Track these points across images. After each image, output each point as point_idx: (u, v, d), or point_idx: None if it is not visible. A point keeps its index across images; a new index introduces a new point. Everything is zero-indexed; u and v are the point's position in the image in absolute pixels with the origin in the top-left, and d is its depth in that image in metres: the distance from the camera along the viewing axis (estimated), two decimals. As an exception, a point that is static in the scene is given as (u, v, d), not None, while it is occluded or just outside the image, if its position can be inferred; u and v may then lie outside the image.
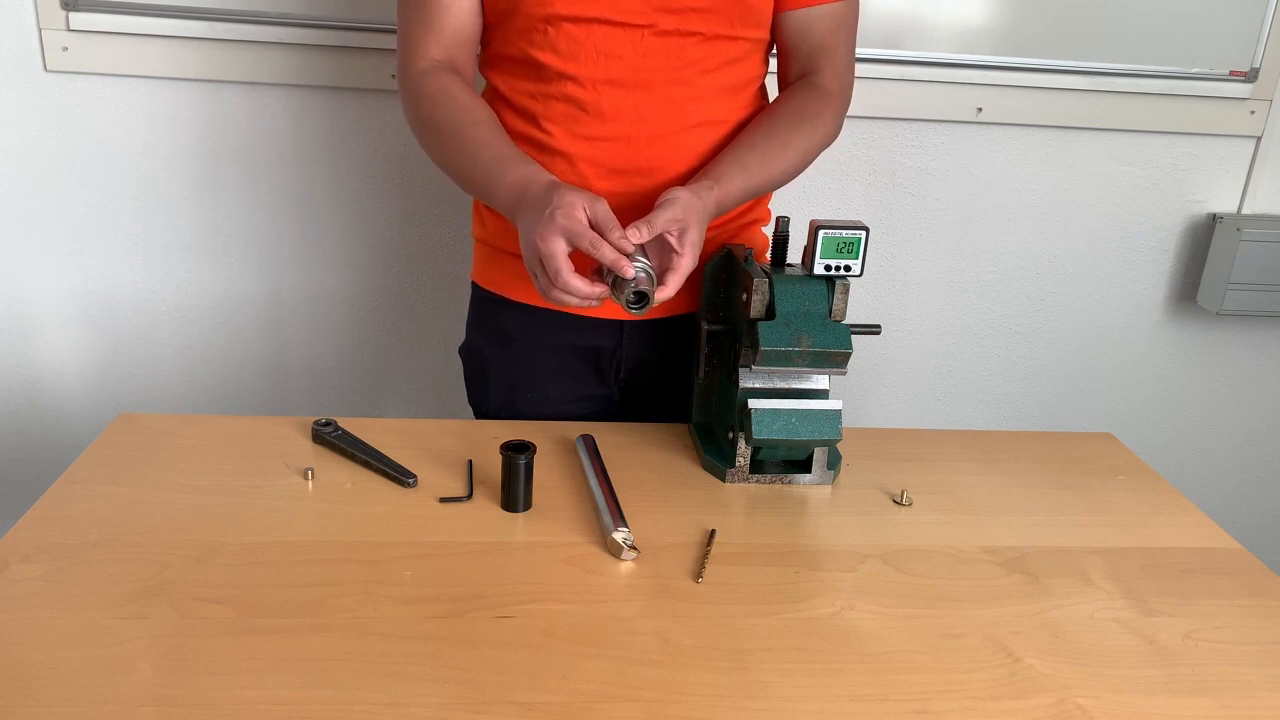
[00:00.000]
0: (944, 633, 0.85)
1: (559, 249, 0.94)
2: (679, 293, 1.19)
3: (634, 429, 1.19)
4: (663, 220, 0.96)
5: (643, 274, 0.96)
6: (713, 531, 0.98)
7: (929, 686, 0.79)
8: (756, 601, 0.88)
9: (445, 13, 1.10)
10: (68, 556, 0.88)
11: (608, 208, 0.96)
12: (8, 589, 0.84)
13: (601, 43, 1.06)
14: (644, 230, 0.95)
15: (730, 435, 1.08)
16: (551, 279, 0.95)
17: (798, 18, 1.14)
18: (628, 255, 0.94)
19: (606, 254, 0.93)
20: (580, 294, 0.95)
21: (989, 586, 0.92)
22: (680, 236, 0.97)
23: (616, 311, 1.19)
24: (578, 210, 0.94)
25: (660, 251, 1.00)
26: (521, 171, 1.02)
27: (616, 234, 0.94)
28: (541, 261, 0.95)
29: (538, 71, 1.09)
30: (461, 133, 1.07)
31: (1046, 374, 1.97)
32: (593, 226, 0.95)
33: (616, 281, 0.96)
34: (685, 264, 0.98)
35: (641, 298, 0.96)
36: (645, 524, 0.99)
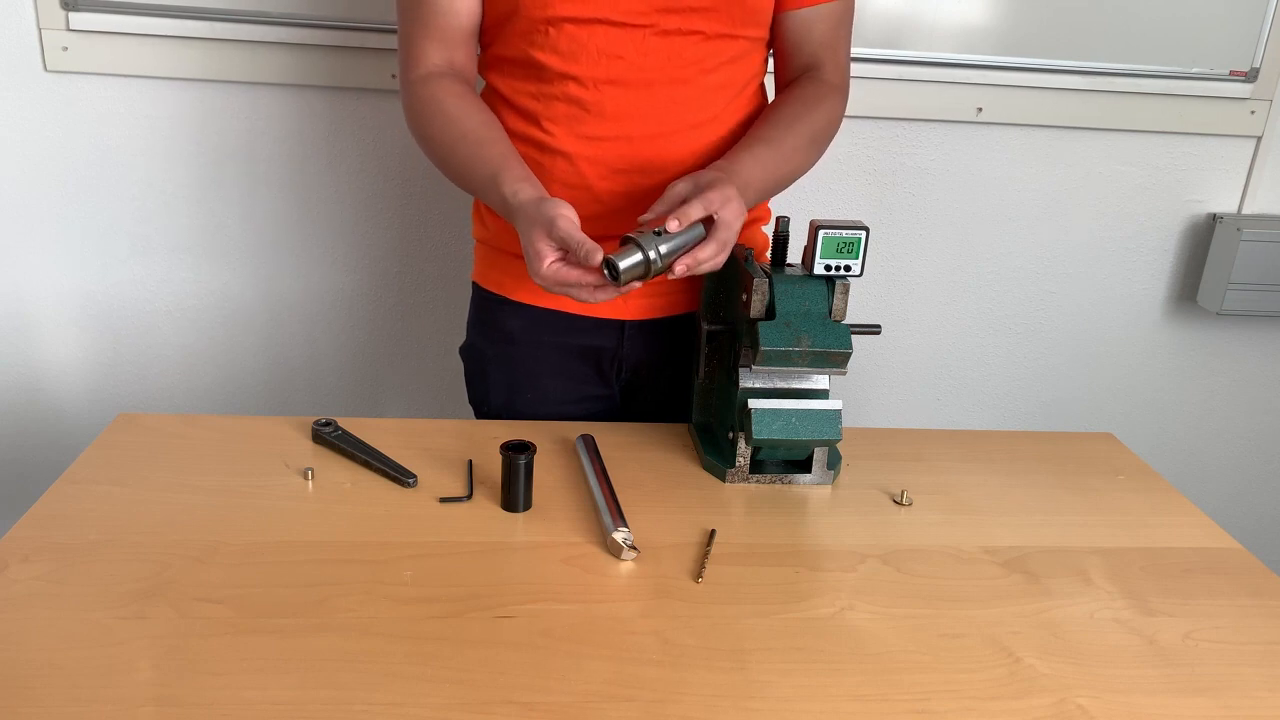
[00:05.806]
0: (944, 633, 0.85)
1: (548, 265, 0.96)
2: (679, 293, 1.20)
3: (634, 429, 1.19)
4: (697, 209, 0.97)
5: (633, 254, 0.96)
6: (713, 531, 0.98)
7: (929, 686, 0.79)
8: (756, 601, 0.88)
9: (444, 16, 1.10)
10: (68, 556, 0.88)
11: (569, 226, 0.95)
12: (8, 589, 0.84)
13: (603, 43, 1.06)
14: (683, 222, 0.96)
15: (730, 435, 1.08)
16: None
17: (799, 17, 1.14)
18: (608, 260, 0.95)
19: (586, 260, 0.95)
20: (576, 281, 0.96)
21: (989, 586, 0.92)
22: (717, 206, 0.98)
23: (617, 311, 1.19)
24: (544, 260, 0.95)
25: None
26: (506, 194, 1.02)
27: (583, 251, 0.94)
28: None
29: (539, 72, 1.09)
30: (457, 147, 1.07)
31: (1046, 374, 1.96)
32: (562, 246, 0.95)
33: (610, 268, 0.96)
34: (721, 234, 0.98)
35: (610, 265, 0.95)
36: (645, 524, 0.99)
